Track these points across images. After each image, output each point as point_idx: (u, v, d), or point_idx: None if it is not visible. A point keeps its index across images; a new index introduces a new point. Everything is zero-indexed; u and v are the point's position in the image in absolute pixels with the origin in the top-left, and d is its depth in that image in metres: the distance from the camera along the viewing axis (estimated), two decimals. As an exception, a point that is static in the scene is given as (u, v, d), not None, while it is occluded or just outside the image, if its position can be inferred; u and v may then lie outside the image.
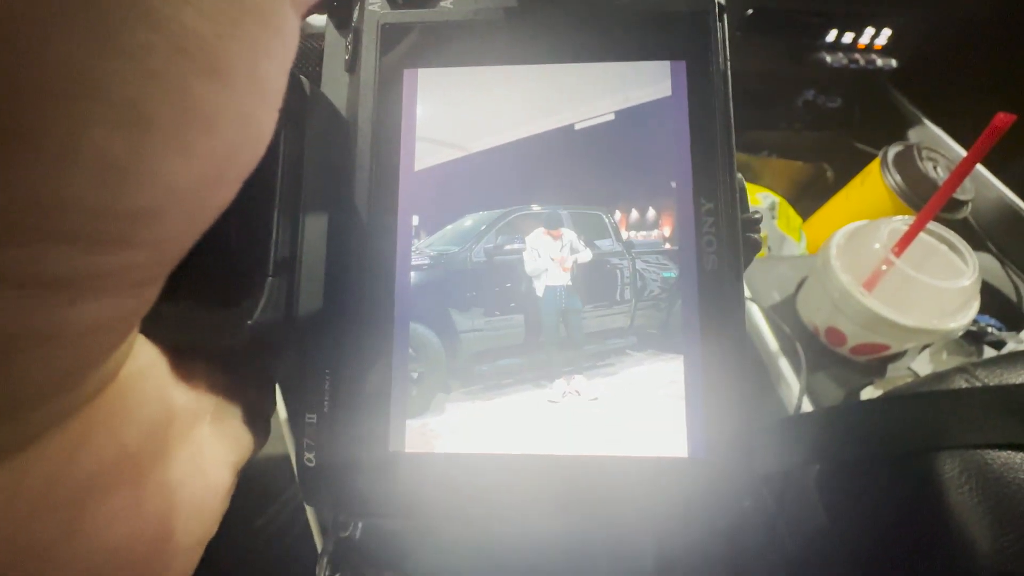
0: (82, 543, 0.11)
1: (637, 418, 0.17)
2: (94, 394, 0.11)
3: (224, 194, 0.11)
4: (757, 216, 0.18)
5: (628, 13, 0.18)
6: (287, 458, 0.41)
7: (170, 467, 0.13)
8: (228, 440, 0.15)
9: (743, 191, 0.17)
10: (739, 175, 0.17)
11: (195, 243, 0.11)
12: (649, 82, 0.18)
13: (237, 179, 0.11)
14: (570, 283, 0.18)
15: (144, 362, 0.13)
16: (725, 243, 0.17)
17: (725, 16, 0.18)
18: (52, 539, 0.10)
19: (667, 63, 0.18)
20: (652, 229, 0.18)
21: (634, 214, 0.18)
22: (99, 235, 0.09)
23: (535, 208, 0.18)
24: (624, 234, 0.18)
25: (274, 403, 0.18)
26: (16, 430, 0.10)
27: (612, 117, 0.18)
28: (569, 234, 0.18)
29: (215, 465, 0.14)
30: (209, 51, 0.09)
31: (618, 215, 0.18)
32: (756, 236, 0.18)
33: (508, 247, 0.18)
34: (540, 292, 0.18)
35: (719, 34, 0.18)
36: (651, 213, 0.18)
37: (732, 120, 0.18)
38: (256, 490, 0.48)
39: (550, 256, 0.18)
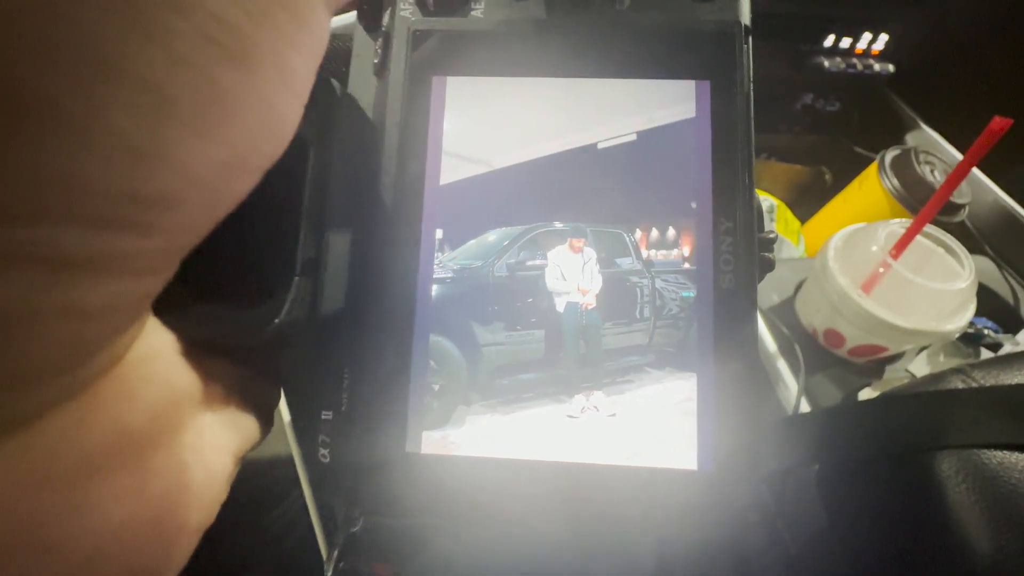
0: (83, 522, 0.11)
1: (650, 432, 0.17)
2: (99, 375, 0.11)
3: (243, 183, 0.11)
4: (772, 236, 0.18)
5: (655, 31, 0.18)
6: (291, 460, 0.41)
7: (173, 451, 0.13)
8: (231, 428, 0.15)
9: (760, 210, 0.17)
10: (756, 193, 0.18)
11: (222, 242, 0.11)
12: (673, 101, 0.18)
13: (258, 169, 0.11)
14: (591, 301, 0.18)
15: (154, 346, 0.13)
16: (742, 262, 0.17)
17: (751, 37, 0.18)
18: (52, 515, 0.10)
19: (692, 83, 0.18)
20: (672, 248, 0.18)
21: (654, 233, 0.18)
22: (114, 219, 0.09)
23: (558, 225, 0.18)
24: (644, 253, 0.18)
25: (279, 395, 0.18)
26: (19, 405, 0.10)
27: (634, 137, 0.18)
28: (590, 251, 0.19)
29: (217, 452, 0.14)
30: (237, 39, 0.09)
31: (639, 234, 0.18)
32: (770, 256, 0.18)
33: (530, 263, 0.18)
34: (561, 308, 0.18)
35: (745, 55, 0.18)
36: (671, 232, 0.18)
37: (753, 141, 0.18)
38: (261, 490, 0.48)
39: (576, 284, 0.18)
